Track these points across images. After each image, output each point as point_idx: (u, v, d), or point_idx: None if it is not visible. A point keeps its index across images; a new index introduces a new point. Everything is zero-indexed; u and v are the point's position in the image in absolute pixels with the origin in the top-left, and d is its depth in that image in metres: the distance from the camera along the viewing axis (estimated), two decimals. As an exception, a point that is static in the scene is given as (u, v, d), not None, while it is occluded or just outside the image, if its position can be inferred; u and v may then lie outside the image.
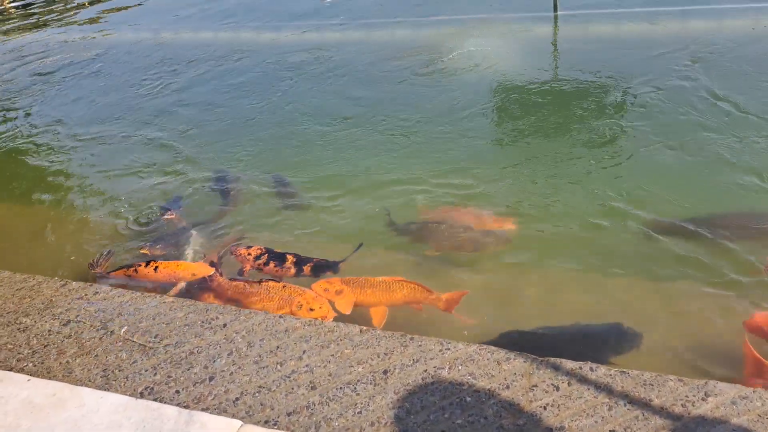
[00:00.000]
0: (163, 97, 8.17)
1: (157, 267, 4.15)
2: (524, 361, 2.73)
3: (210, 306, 3.38)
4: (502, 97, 6.70)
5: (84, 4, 15.50)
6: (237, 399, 2.70)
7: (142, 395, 2.78)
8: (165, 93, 8.33)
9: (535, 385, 2.60)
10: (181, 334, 3.15)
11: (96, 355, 3.06)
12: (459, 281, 3.99)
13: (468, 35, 8.83)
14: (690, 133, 5.41)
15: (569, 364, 2.69)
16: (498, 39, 8.58)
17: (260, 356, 2.93)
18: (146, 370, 2.93)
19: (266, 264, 4.17)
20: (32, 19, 14.60)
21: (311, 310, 3.50)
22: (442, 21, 9.91)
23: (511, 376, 2.66)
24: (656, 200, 4.57)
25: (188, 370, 2.90)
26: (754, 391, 2.45)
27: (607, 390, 2.53)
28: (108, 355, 3.06)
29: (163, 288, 4.01)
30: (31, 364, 3.07)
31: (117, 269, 4.29)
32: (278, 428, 2.53)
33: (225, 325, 3.18)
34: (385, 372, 2.76)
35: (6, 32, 13.67)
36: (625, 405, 2.45)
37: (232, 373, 2.85)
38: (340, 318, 3.47)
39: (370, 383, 2.70)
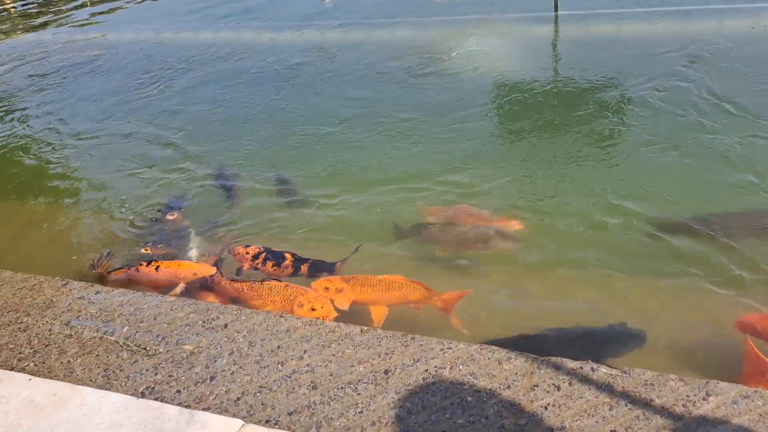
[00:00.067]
0: (163, 97, 8.18)
1: (158, 266, 4.15)
2: (525, 361, 2.73)
3: (211, 306, 3.38)
4: (503, 97, 6.71)
5: (86, 4, 15.50)
6: (238, 399, 2.70)
7: (143, 395, 2.78)
8: (165, 93, 8.33)
9: (536, 385, 2.60)
10: (182, 333, 3.15)
11: (97, 355, 3.07)
12: (461, 281, 3.99)
13: (468, 35, 8.83)
14: (690, 133, 5.42)
15: (570, 363, 2.69)
16: (499, 39, 8.59)
17: (261, 356, 2.94)
18: (147, 370, 2.93)
19: (264, 263, 4.16)
20: (32, 19, 14.59)
21: (313, 309, 3.50)
22: (442, 21, 9.91)
23: (512, 376, 2.66)
24: (657, 200, 4.58)
25: (189, 369, 2.90)
26: (755, 391, 2.45)
27: (608, 390, 2.53)
28: (109, 354, 3.06)
29: (164, 288, 4.01)
30: (32, 364, 3.07)
31: (118, 269, 4.29)
32: (279, 428, 2.54)
33: (226, 325, 3.18)
34: (386, 372, 2.76)
35: (6, 32, 13.67)
36: (626, 405, 2.45)
37: (233, 372, 2.86)
38: (341, 318, 3.47)
39: (371, 383, 2.71)
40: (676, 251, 4.08)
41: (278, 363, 2.88)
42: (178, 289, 3.96)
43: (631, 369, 2.63)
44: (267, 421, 2.57)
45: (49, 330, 3.30)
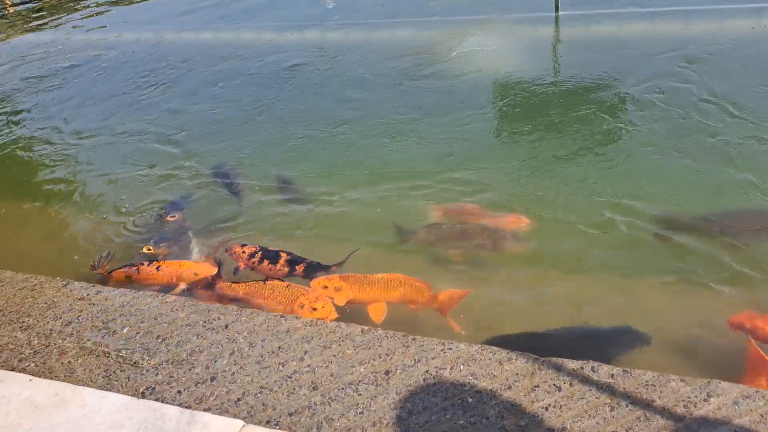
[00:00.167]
0: (163, 97, 8.18)
1: (159, 266, 4.15)
2: (526, 362, 2.73)
3: (212, 306, 3.38)
4: (504, 98, 6.70)
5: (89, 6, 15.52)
6: (239, 399, 2.70)
7: (143, 395, 2.78)
8: (165, 93, 8.33)
9: (537, 386, 2.59)
10: (183, 334, 3.15)
11: (97, 355, 3.07)
12: (463, 281, 3.98)
13: (469, 35, 8.83)
14: (691, 133, 5.41)
15: (571, 364, 2.69)
16: (499, 39, 8.58)
17: (262, 356, 2.94)
18: (148, 370, 2.93)
19: (260, 262, 4.16)
20: (32, 19, 14.60)
21: (314, 309, 3.49)
22: (443, 21, 9.91)
23: (512, 377, 2.66)
24: (658, 200, 4.58)
25: (190, 370, 2.90)
26: (756, 391, 2.45)
27: (609, 390, 2.53)
28: (109, 354, 3.06)
29: (165, 287, 4.01)
30: (32, 364, 3.07)
31: (119, 269, 4.29)
32: (280, 428, 2.54)
33: (227, 326, 3.18)
34: (386, 372, 2.76)
35: (6, 32, 13.68)
36: (627, 406, 2.45)
37: (233, 373, 2.86)
38: (342, 318, 3.47)
39: (372, 384, 2.70)
40: (677, 251, 4.08)
41: (279, 363, 2.88)
42: (178, 289, 3.96)
43: (632, 369, 2.63)
44: (268, 422, 2.57)
45: (50, 330, 3.31)
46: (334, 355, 2.89)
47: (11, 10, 16.12)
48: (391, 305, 3.67)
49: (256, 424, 2.56)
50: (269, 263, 4.12)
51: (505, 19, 9.42)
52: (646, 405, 2.44)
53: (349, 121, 6.64)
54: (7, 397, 2.80)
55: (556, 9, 9.40)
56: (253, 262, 4.17)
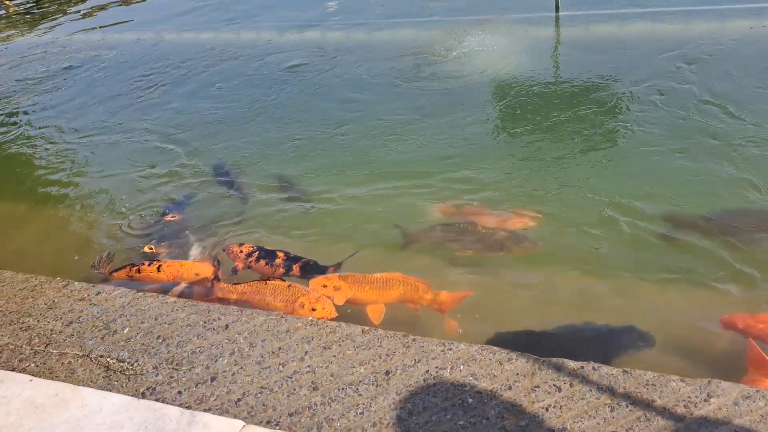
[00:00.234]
0: (163, 97, 8.18)
1: (160, 266, 4.15)
2: (526, 362, 2.73)
3: (212, 307, 3.38)
4: (504, 99, 6.70)
5: (84, 1, 15.53)
6: (239, 399, 2.70)
7: (144, 395, 2.78)
8: (165, 93, 8.33)
9: (537, 386, 2.59)
10: (183, 334, 3.15)
11: (98, 356, 3.07)
12: (464, 282, 3.98)
13: (470, 36, 8.83)
14: (691, 133, 5.41)
15: (571, 364, 2.68)
16: (500, 39, 8.58)
17: (262, 357, 2.94)
18: (148, 371, 2.93)
19: (257, 261, 4.16)
20: (32, 19, 14.61)
21: (314, 310, 3.49)
22: (443, 21, 9.91)
23: (513, 377, 2.66)
24: (659, 200, 4.57)
25: (190, 370, 2.90)
26: (757, 391, 2.45)
27: (609, 391, 2.53)
28: (110, 355, 3.06)
29: (166, 287, 4.01)
30: (33, 365, 3.07)
31: (119, 269, 4.29)
32: (280, 429, 2.54)
33: (227, 326, 3.18)
34: (387, 373, 2.76)
35: (6, 32, 13.68)
36: (627, 406, 2.45)
37: (234, 373, 2.86)
38: (342, 318, 3.47)
39: (372, 384, 2.70)
40: (677, 251, 4.08)
41: (279, 364, 2.88)
42: (178, 290, 3.96)
43: (632, 369, 2.63)
44: (268, 422, 2.57)
45: (51, 331, 3.31)
46: (334, 356, 2.89)
47: (12, 10, 16.13)
48: (390, 305, 3.66)
49: (256, 424, 2.56)
50: (266, 262, 4.12)
51: (505, 20, 9.42)
52: (647, 405, 2.44)
53: (350, 122, 6.64)
54: (8, 398, 2.81)
55: (557, 9, 9.40)
56: (250, 262, 4.17)
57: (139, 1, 15.02)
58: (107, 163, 6.50)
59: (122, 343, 3.14)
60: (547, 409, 2.48)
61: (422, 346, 2.89)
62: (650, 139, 5.45)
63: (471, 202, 4.86)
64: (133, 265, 4.26)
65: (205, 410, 2.66)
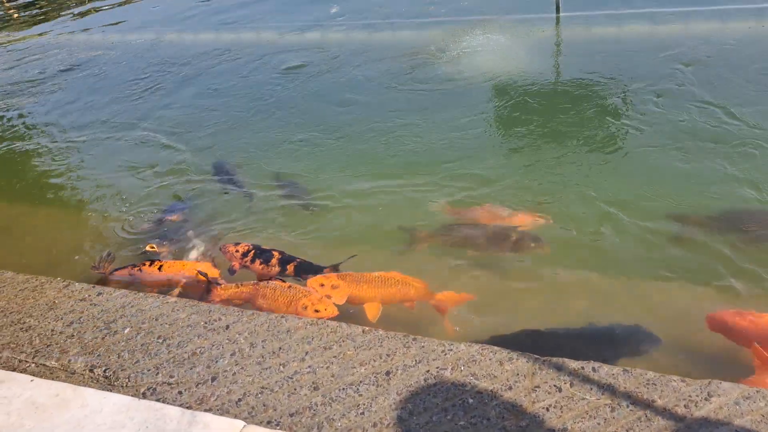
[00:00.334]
0: (163, 98, 8.19)
1: (161, 266, 4.15)
2: (527, 362, 2.73)
3: (213, 307, 3.38)
4: (505, 100, 6.71)
5: (85, 2, 15.54)
6: (240, 400, 2.71)
7: (144, 396, 2.78)
8: (165, 94, 8.34)
9: (538, 386, 2.59)
10: (184, 334, 3.15)
11: (98, 356, 3.07)
12: (468, 282, 3.97)
13: (470, 36, 8.83)
14: (692, 134, 5.41)
15: (572, 364, 2.68)
16: (501, 40, 8.59)
17: (263, 357, 2.94)
18: (149, 371, 2.93)
19: (252, 261, 4.17)
20: (32, 20, 14.63)
21: (317, 311, 3.49)
22: (444, 22, 9.92)
23: (513, 377, 2.66)
24: (659, 201, 4.58)
25: (191, 370, 2.91)
26: (757, 391, 2.45)
27: (609, 390, 2.53)
28: (110, 355, 3.06)
29: (166, 288, 4.01)
30: (34, 365, 3.07)
31: (120, 268, 4.29)
32: (281, 429, 2.54)
33: (228, 327, 3.18)
34: (387, 373, 2.76)
35: (5, 32, 13.70)
36: (627, 406, 2.45)
37: (234, 373, 2.86)
38: (342, 318, 3.47)
39: (373, 384, 2.70)
40: (678, 251, 4.08)
41: (280, 364, 2.88)
42: (177, 290, 3.96)
43: (632, 369, 2.63)
44: (268, 422, 2.57)
45: (51, 331, 3.31)
46: (334, 356, 2.89)
47: (14, 13, 16.15)
48: (389, 305, 3.67)
49: (257, 424, 2.56)
50: (261, 262, 4.13)
51: (506, 20, 9.42)
52: (647, 405, 2.44)
53: (350, 122, 6.65)
54: (9, 398, 2.81)
55: (557, 10, 9.40)
56: (246, 261, 4.17)
57: (139, 1, 15.03)
58: (107, 162, 6.51)
59: (123, 343, 3.15)
60: (547, 409, 2.48)
61: (423, 347, 2.89)
62: (651, 139, 5.45)
63: (475, 201, 4.85)
64: (134, 265, 4.26)
65: (205, 410, 2.66)
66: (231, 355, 2.98)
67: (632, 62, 7.21)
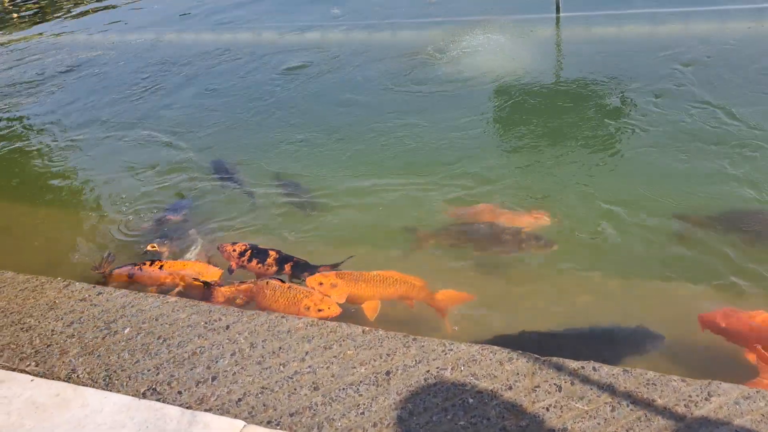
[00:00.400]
0: (163, 98, 8.19)
1: (162, 266, 4.15)
2: (527, 362, 2.73)
3: (213, 307, 3.38)
4: (506, 99, 6.71)
5: (84, 2, 15.55)
6: (240, 399, 2.71)
7: (144, 395, 2.78)
8: (165, 94, 8.34)
9: (538, 386, 2.59)
10: (184, 334, 3.15)
11: (99, 356, 3.07)
12: (471, 283, 3.97)
13: (471, 37, 8.83)
14: (693, 134, 5.42)
15: (572, 364, 2.69)
16: (501, 40, 8.59)
17: (263, 357, 2.94)
18: (149, 370, 2.93)
19: (249, 260, 4.17)
20: (32, 20, 14.63)
21: (320, 310, 3.49)
22: (444, 22, 9.91)
23: (513, 377, 2.66)
24: (659, 201, 4.58)
25: (191, 370, 2.91)
26: (757, 391, 2.45)
27: (610, 390, 2.53)
28: (111, 355, 3.07)
29: (168, 287, 4.01)
30: (34, 365, 3.07)
31: (120, 267, 4.29)
32: (281, 429, 2.54)
33: (228, 327, 3.18)
34: (387, 373, 2.76)
35: (6, 32, 13.70)
36: (628, 406, 2.45)
37: (234, 373, 2.86)
38: (343, 318, 3.47)
39: (373, 384, 2.71)
40: (679, 252, 4.08)
41: (280, 364, 2.88)
42: (177, 289, 3.96)
43: (632, 369, 2.63)
44: (269, 422, 2.57)
45: (52, 331, 3.31)
46: (335, 356, 2.89)
47: (13, 13, 16.16)
48: (389, 304, 3.66)
49: (257, 424, 2.57)
50: (258, 261, 4.13)
51: (506, 20, 9.42)
52: (647, 405, 2.44)
53: (350, 122, 6.65)
54: (9, 398, 2.81)
55: (557, 10, 9.40)
56: (244, 261, 4.18)
57: (139, 1, 15.04)
58: (108, 162, 6.51)
59: (123, 343, 3.15)
60: (547, 409, 2.48)
61: (423, 346, 2.89)
62: (651, 139, 5.45)
63: (476, 201, 4.84)
64: (135, 264, 4.26)
65: (205, 410, 2.66)
66: (231, 355, 2.98)
67: (632, 62, 7.21)
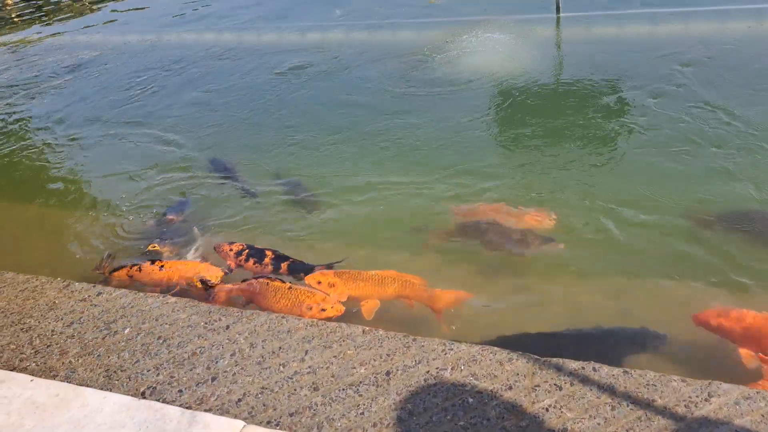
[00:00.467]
0: (163, 99, 8.19)
1: (162, 266, 4.15)
2: (527, 362, 2.73)
3: (213, 307, 3.38)
4: (506, 100, 6.71)
5: (84, 3, 15.54)
6: (240, 400, 2.71)
7: (144, 395, 2.78)
8: (165, 94, 8.34)
9: (538, 386, 2.59)
10: (184, 335, 3.15)
11: (98, 356, 3.07)
12: (471, 282, 3.97)
13: (470, 37, 8.83)
14: (693, 135, 5.41)
15: (572, 364, 2.68)
16: (501, 41, 8.58)
17: (263, 357, 2.94)
18: (149, 370, 2.93)
19: (246, 260, 4.17)
20: (31, 20, 14.63)
21: (323, 310, 3.49)
22: (444, 22, 9.91)
23: (513, 377, 2.66)
24: (660, 202, 4.57)
25: (191, 370, 2.91)
26: (757, 392, 2.45)
27: (610, 390, 2.53)
28: (111, 355, 3.06)
29: (168, 287, 4.01)
30: (34, 364, 3.07)
31: (120, 267, 4.29)
32: (281, 429, 2.54)
33: (228, 327, 3.18)
34: (387, 373, 2.76)
35: (6, 32, 13.70)
36: (628, 406, 2.45)
37: (234, 373, 2.86)
38: (343, 318, 3.47)
39: (373, 384, 2.71)
40: (679, 253, 4.08)
41: (280, 364, 2.88)
42: (177, 289, 3.96)
43: (632, 369, 2.63)
44: (268, 422, 2.57)
45: (52, 331, 3.31)
46: (335, 356, 2.89)
47: (14, 16, 16.16)
48: (389, 304, 3.66)
49: (256, 424, 2.56)
50: (255, 261, 4.14)
51: (506, 21, 9.42)
52: (647, 405, 2.44)
53: (350, 122, 6.65)
54: (9, 398, 2.81)
55: (557, 11, 9.40)
56: (240, 260, 4.19)
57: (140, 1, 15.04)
58: (108, 163, 6.51)
59: (123, 343, 3.15)
60: (547, 410, 2.48)
61: (423, 347, 2.89)
62: (651, 139, 5.45)
63: (477, 201, 4.83)
64: (135, 264, 4.26)
65: (205, 410, 2.66)
66: (231, 355, 2.98)
67: (632, 62, 7.21)
